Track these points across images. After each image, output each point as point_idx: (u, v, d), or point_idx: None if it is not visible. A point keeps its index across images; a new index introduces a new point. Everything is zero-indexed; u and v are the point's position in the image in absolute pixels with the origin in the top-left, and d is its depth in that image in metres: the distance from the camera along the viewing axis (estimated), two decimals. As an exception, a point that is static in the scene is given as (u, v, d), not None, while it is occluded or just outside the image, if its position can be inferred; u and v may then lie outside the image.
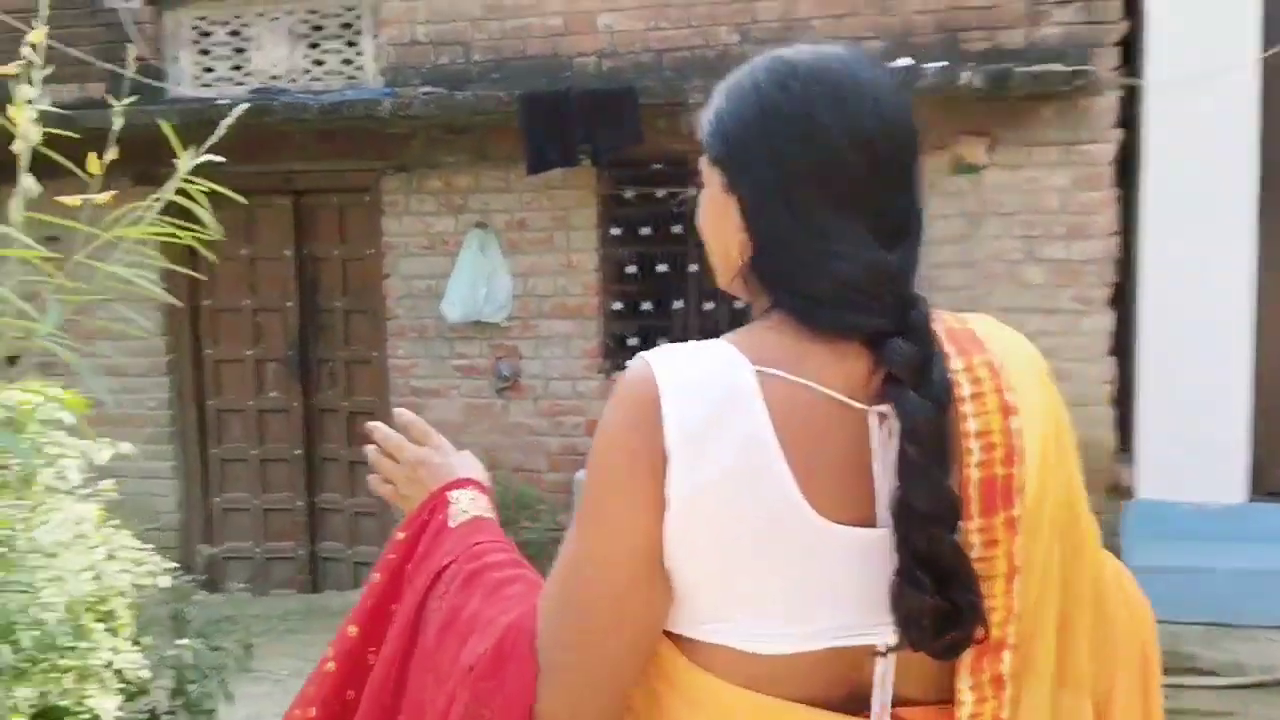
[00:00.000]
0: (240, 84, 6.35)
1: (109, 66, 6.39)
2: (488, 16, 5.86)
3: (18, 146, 2.05)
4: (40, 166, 6.68)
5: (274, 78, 6.35)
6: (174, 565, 3.38)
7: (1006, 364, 1.05)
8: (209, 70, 6.48)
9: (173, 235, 2.38)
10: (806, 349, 1.01)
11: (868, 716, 1.02)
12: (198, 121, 5.73)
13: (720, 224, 1.10)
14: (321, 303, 6.63)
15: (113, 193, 2.50)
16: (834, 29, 5.23)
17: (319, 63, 6.33)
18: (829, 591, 0.99)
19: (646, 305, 5.96)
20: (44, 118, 6.32)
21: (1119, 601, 1.18)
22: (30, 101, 2.10)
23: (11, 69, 2.04)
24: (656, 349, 1.05)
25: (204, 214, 2.29)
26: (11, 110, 2.07)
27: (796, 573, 0.99)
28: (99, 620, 2.79)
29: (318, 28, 6.30)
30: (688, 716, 1.03)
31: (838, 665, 1.01)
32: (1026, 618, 1.03)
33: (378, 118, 5.44)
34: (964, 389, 1.02)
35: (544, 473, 6.07)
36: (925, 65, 5.01)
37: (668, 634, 1.04)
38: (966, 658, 1.01)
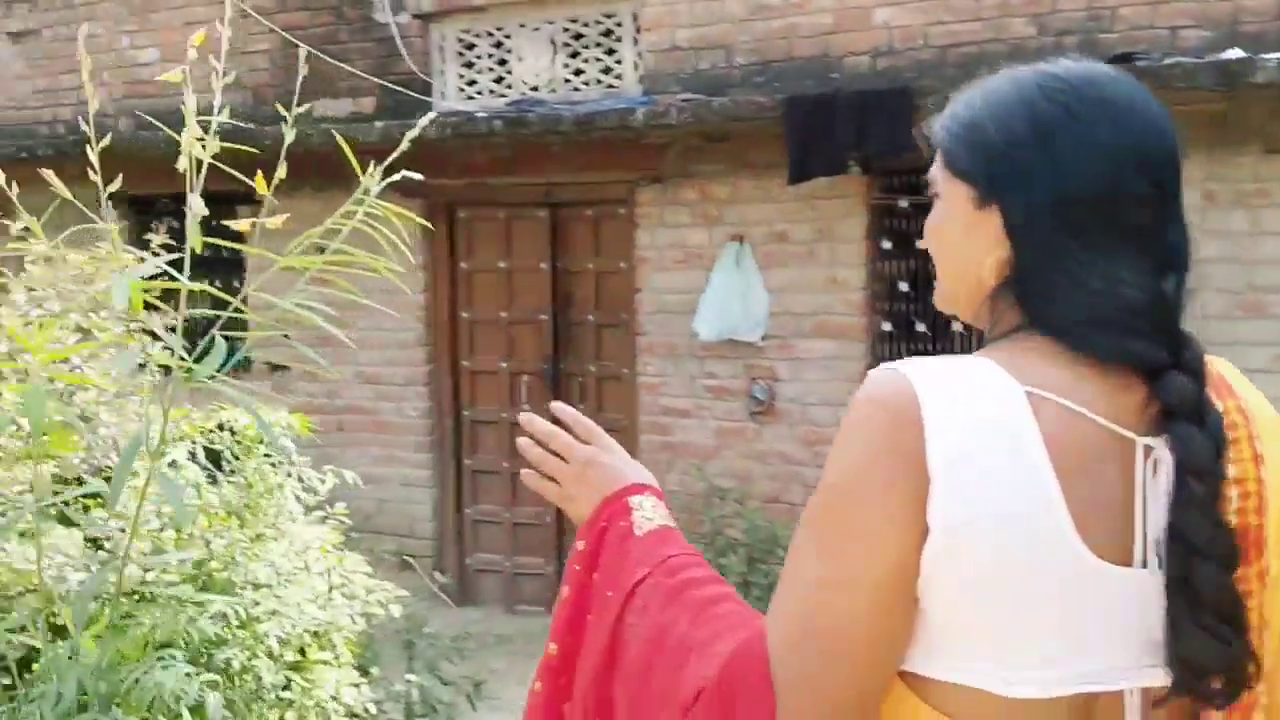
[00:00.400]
0: (502, 96, 6.37)
1: (379, 81, 6.57)
2: (752, 17, 5.61)
3: (180, 163, 1.92)
4: (324, 178, 6.65)
5: (534, 88, 6.34)
6: (403, 592, 3.28)
7: (1253, 412, 1.03)
8: (472, 83, 6.55)
9: (346, 261, 2.22)
10: (1079, 374, 0.98)
11: None
12: (456, 134, 5.82)
13: (968, 241, 1.07)
14: (574, 316, 6.58)
15: (283, 216, 2.35)
16: (1148, 17, 4.65)
17: (578, 72, 6.27)
18: (1089, 633, 0.95)
19: (921, 326, 5.51)
20: (317, 131, 6.50)
21: None
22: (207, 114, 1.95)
23: (174, 76, 1.92)
24: (906, 361, 0.99)
25: (402, 228, 2.10)
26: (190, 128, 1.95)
27: (1060, 612, 0.94)
28: (322, 650, 2.69)
29: (578, 36, 6.25)
30: None
31: (1084, 712, 0.97)
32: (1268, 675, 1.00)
33: (631, 127, 5.29)
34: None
35: (798, 506, 5.72)
36: (1262, 56, 4.32)
37: (900, 673, 0.99)
38: (1216, 715, 0.98)
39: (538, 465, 1.32)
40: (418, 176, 2.19)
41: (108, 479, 2.98)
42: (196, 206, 2.31)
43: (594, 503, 1.28)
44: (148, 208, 7.85)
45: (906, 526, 0.94)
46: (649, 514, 1.24)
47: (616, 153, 6.01)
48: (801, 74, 5.49)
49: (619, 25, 6.18)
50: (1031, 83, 1.05)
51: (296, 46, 7.30)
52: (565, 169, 6.29)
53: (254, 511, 2.79)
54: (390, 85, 6.60)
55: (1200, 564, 0.93)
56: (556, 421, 1.35)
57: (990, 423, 0.94)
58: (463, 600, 6.95)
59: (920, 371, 0.97)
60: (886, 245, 5.55)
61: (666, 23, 5.87)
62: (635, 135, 5.48)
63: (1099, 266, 0.99)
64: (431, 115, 2.52)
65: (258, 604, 2.57)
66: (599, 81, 6.26)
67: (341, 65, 6.75)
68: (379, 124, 5.95)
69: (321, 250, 7.80)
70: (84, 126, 2.36)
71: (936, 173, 1.10)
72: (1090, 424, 0.96)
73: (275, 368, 7.42)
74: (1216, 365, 1.06)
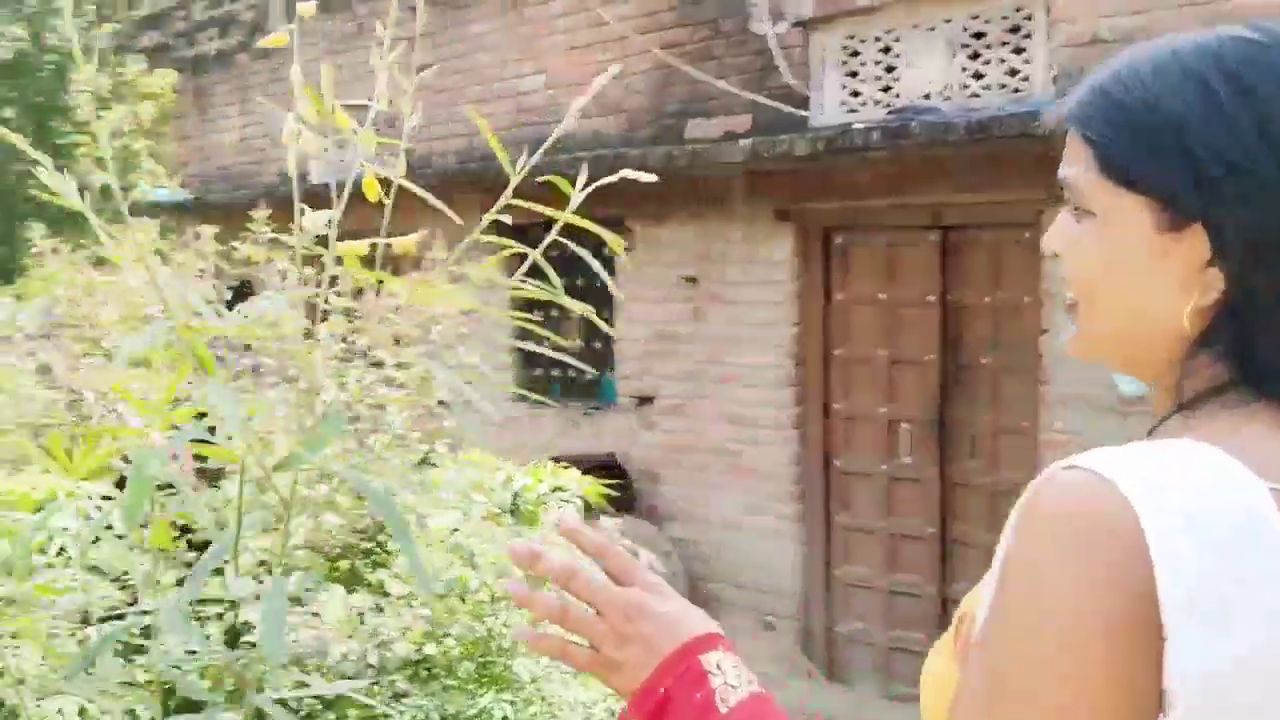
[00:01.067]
0: (888, 107, 5.76)
1: (753, 97, 6.18)
2: (1188, 1, 4.64)
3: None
4: (697, 202, 6.28)
5: (925, 96, 5.68)
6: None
7: None
8: (855, 94, 6.00)
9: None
10: None
11: None
12: (829, 150, 5.28)
13: (1153, 275, 0.84)
14: (966, 358, 5.83)
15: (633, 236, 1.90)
16: None
17: (978, 76, 5.55)
18: None
19: None
20: (683, 154, 6.16)
21: None
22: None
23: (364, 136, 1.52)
24: (1097, 456, 0.75)
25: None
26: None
27: None
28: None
29: (979, 35, 5.53)
30: None
31: None
32: None
33: (1036, 135, 4.48)
34: None
35: None
36: None
37: None
38: None
39: (556, 619, 0.96)
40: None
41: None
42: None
43: (648, 667, 0.94)
44: (521, 236, 7.96)
45: (1131, 699, 0.72)
46: (731, 679, 0.93)
47: (1020, 167, 5.22)
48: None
49: (1028, 19, 5.40)
50: (1231, 52, 0.82)
51: (672, 67, 7.10)
52: (958, 187, 5.58)
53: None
54: (765, 101, 6.19)
55: None
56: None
57: (1240, 541, 0.72)
58: (830, 673, 6.36)
59: (1127, 473, 0.74)
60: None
61: (1086, 11, 5.03)
62: (1042, 145, 4.66)
63: None
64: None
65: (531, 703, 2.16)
66: (1002, 86, 5.51)
67: (715, 83, 6.44)
68: (743, 143, 5.54)
69: (694, 280, 7.46)
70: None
71: (1080, 176, 0.87)
72: None
73: (641, 400, 7.23)
74: None
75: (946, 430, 5.96)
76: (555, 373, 8.04)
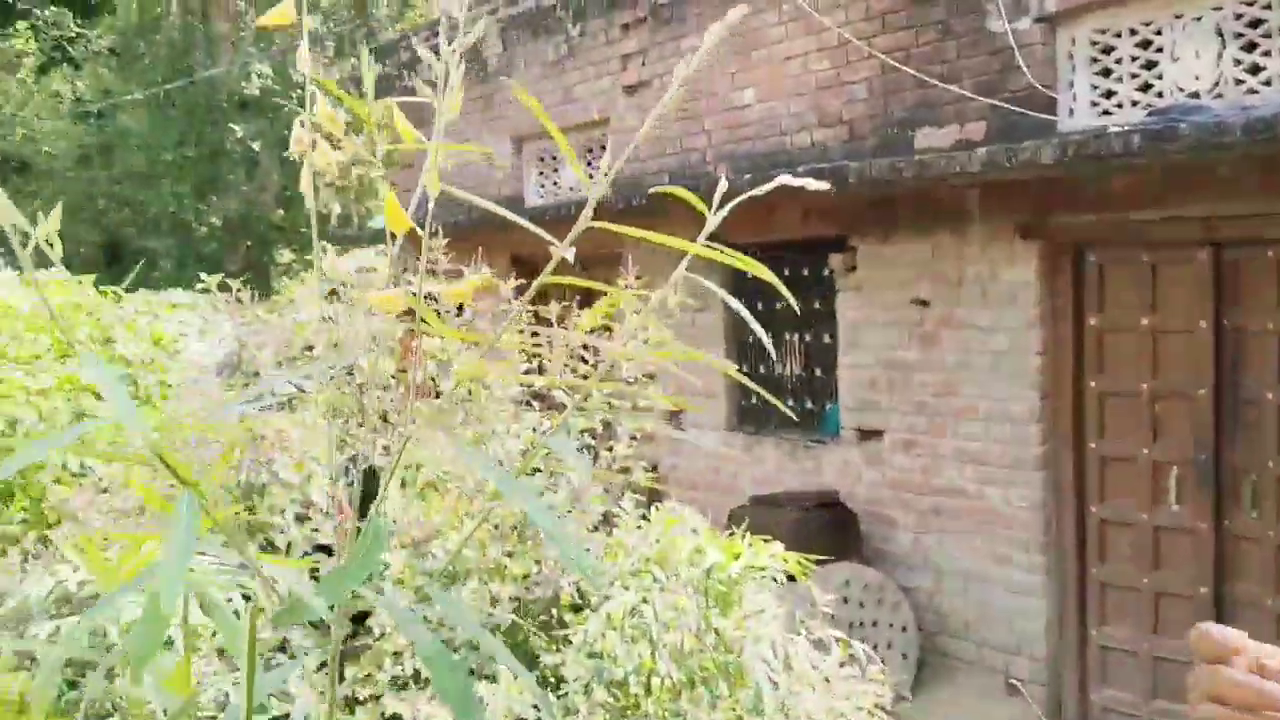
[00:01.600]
0: (1148, 107, 5.16)
1: (990, 102, 5.69)
2: None
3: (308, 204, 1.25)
4: (927, 216, 5.82)
5: (1191, 94, 5.06)
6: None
7: None
8: (1109, 95, 5.42)
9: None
10: None
11: None
12: (1078, 157, 4.74)
13: None
14: (1247, 392, 5.14)
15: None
16: None
17: (1255, 69, 4.89)
18: None
19: None
20: (909, 164, 5.72)
21: None
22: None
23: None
24: None
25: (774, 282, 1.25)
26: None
27: None
28: None
29: (1255, 23, 4.89)
30: None
31: None
32: None
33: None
34: None
35: None
36: None
37: None
38: None
39: None
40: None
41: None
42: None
43: None
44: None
45: None
46: None
47: (1313, 171, 4.54)
48: None
49: (1321, -3, 4.70)
50: None
51: (898, 71, 6.66)
52: (1235, 197, 4.93)
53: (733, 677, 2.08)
54: (1005, 105, 5.68)
55: None
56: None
57: None
58: (1083, 747, 5.75)
59: None
60: None
61: (1398, -16, 4.31)
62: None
63: None
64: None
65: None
66: (1288, 77, 4.82)
67: (948, 88, 5.96)
68: (980, 151, 5.06)
69: (926, 303, 6.93)
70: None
71: None
72: None
73: (866, 434, 6.79)
74: None
75: (1223, 475, 5.27)
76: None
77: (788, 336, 7.61)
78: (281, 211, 21.54)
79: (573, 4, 8.87)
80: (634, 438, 2.84)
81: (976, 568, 6.23)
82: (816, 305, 7.29)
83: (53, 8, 22.69)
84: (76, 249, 19.01)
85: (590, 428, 2.89)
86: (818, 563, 6.57)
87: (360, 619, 2.66)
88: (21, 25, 22.23)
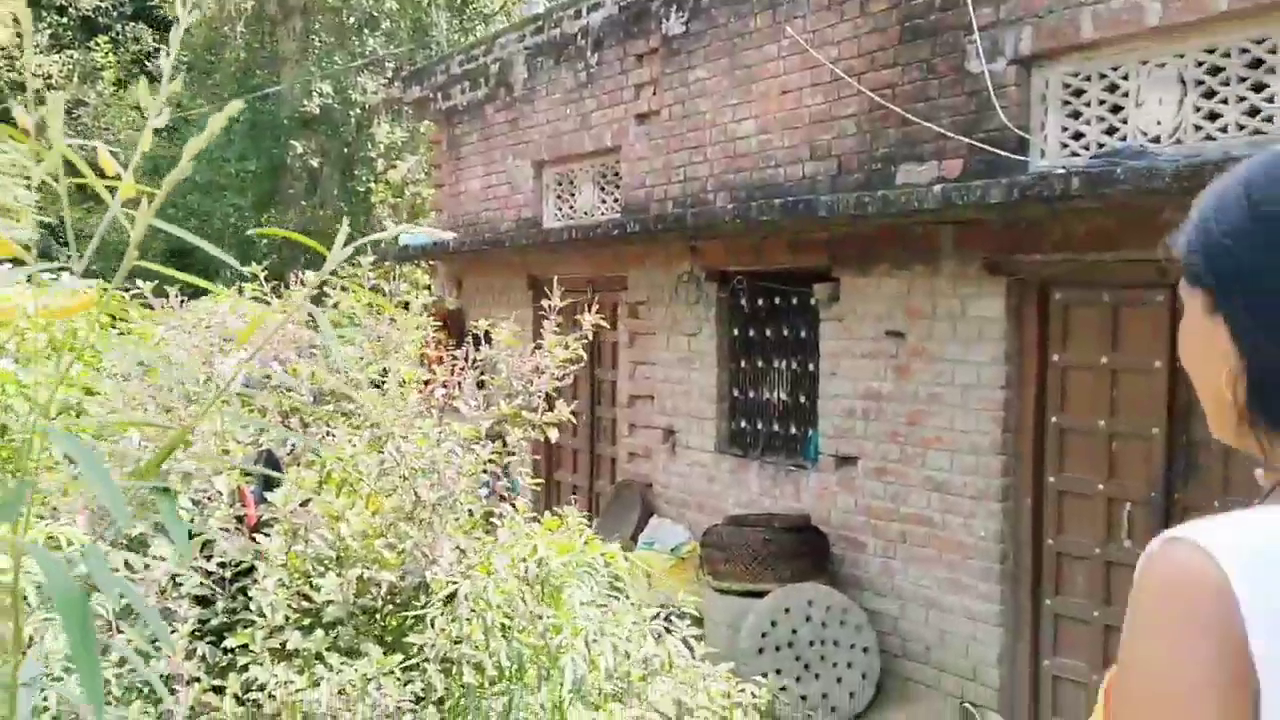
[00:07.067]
0: (1113, 151, 5.22)
1: (967, 140, 5.78)
2: None
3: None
4: (905, 251, 6.04)
5: (1154, 139, 5.11)
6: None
7: None
8: (1077, 137, 5.49)
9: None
10: None
11: None
12: (1025, 198, 4.81)
13: (1206, 354, 1.04)
14: (1198, 433, 5.15)
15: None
16: None
17: (1213, 116, 4.93)
18: None
19: None
20: (874, 200, 5.83)
21: None
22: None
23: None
24: (1195, 529, 0.90)
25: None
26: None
27: None
28: None
29: (1215, 70, 4.92)
30: None
31: None
32: None
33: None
34: None
35: None
36: None
37: None
38: None
39: None
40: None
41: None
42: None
43: None
44: (725, 282, 7.78)
45: None
46: None
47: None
48: None
49: (1272, 52, 4.76)
50: (1257, 168, 1.02)
51: (885, 108, 6.77)
52: (1186, 241, 4.93)
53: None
54: (978, 145, 5.76)
55: None
56: None
57: None
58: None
59: (1222, 545, 0.87)
60: None
61: (1341, 39, 4.34)
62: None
63: None
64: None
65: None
66: (1241, 127, 4.86)
67: (929, 125, 6.06)
68: (936, 189, 5.14)
69: (901, 335, 7.04)
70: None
71: (1181, 285, 1.08)
72: None
73: (843, 460, 6.86)
74: None
75: (1173, 513, 5.28)
76: (760, 426, 7.78)
77: (776, 363, 7.70)
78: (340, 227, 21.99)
79: (593, 33, 9.07)
80: (507, 452, 2.96)
81: (938, 594, 6.26)
82: (802, 334, 7.38)
83: (132, 23, 23.45)
84: (144, 255, 19.56)
85: (478, 436, 3.02)
86: (783, 579, 6.65)
87: (243, 592, 2.81)
88: (102, 40, 23.01)
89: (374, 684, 2.32)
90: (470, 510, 2.73)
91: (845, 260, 6.79)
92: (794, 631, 6.33)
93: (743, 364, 7.93)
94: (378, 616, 2.66)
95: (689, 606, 7.67)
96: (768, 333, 7.69)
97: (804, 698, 6.25)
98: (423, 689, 2.48)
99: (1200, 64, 5.04)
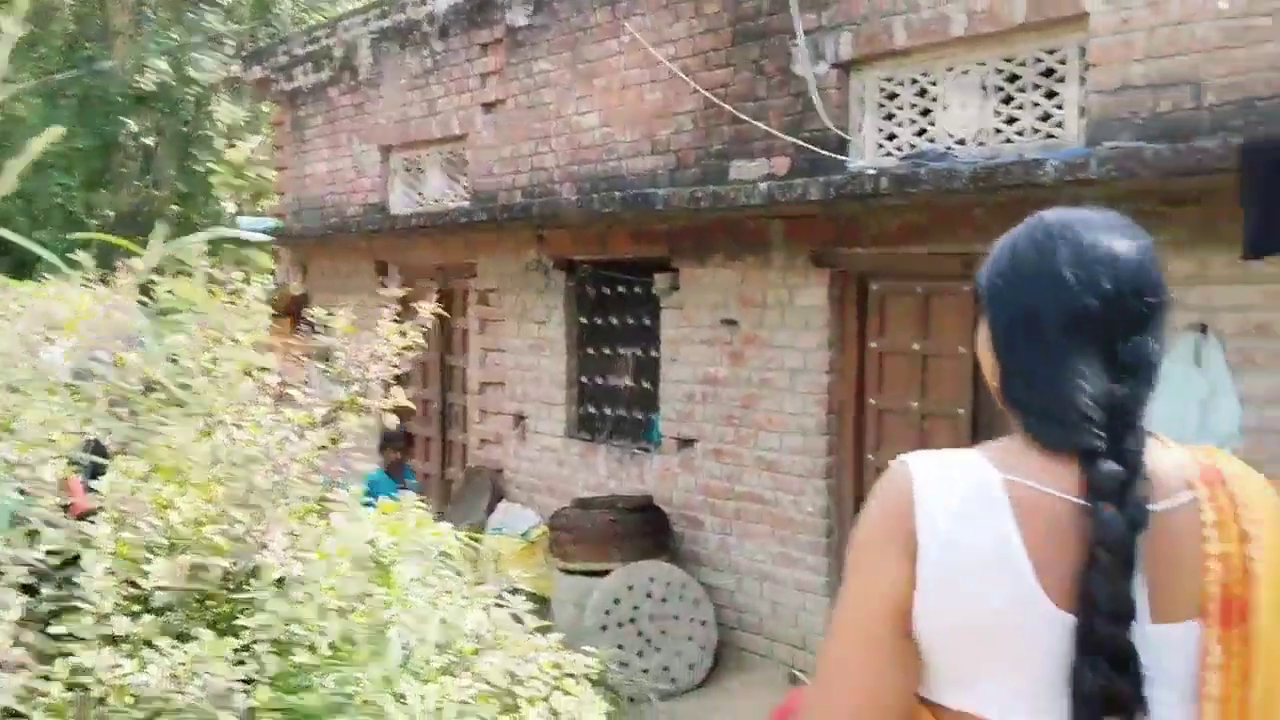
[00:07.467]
0: (919, 152, 5.60)
1: (793, 140, 6.11)
2: (1229, 44, 4.43)
3: None
4: (738, 244, 6.32)
5: (959, 141, 5.51)
6: None
7: (1247, 499, 1.30)
8: (892, 138, 5.86)
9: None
10: (1045, 460, 1.28)
11: None
12: (840, 195, 5.16)
13: (983, 351, 1.43)
14: (996, 411, 5.56)
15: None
16: None
17: (1011, 120, 5.35)
18: (1057, 669, 1.22)
19: None
20: (706, 195, 6.09)
21: None
22: None
23: None
24: (919, 453, 1.34)
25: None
26: None
27: (1029, 650, 1.23)
28: None
29: (1013, 78, 5.34)
30: None
31: None
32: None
33: (1041, 184, 4.31)
34: (1207, 515, 1.28)
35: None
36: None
37: (922, 700, 1.30)
38: None
39: None
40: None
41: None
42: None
43: None
44: (571, 271, 8.00)
45: (899, 580, 1.27)
46: None
47: (1044, 217, 5.00)
48: (1298, 112, 4.18)
49: (1062, 63, 5.20)
50: (1025, 225, 1.42)
51: (718, 106, 7.05)
52: (987, 236, 5.35)
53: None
54: (803, 144, 6.09)
55: (1098, 618, 1.20)
56: None
57: (970, 499, 1.26)
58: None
59: (918, 462, 1.32)
60: None
61: (1118, 56, 4.81)
62: (1049, 194, 4.46)
63: (1056, 375, 1.30)
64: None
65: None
66: (1035, 131, 5.30)
67: (757, 124, 6.37)
68: (761, 186, 5.45)
69: (734, 323, 7.36)
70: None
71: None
72: (1053, 499, 1.26)
73: (683, 443, 7.16)
74: (1219, 460, 1.34)
75: (977, 488, 5.72)
76: (608, 411, 8.04)
77: (622, 350, 7.96)
78: (177, 207, 21.38)
79: (439, 20, 9.14)
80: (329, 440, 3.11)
81: (771, 568, 6.63)
82: (646, 322, 7.65)
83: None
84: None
85: (312, 422, 3.16)
86: (627, 559, 6.92)
87: (70, 581, 2.90)
88: (-84, 6, 21.79)
89: (204, 666, 2.46)
90: (303, 496, 2.87)
91: (684, 251, 7.08)
92: (636, 608, 6.61)
93: (590, 351, 8.16)
94: (209, 602, 2.79)
95: (526, 584, 7.87)
96: (614, 320, 7.94)
97: (646, 670, 6.53)
98: (256, 670, 2.62)
99: (1000, 72, 5.47)
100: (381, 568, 2.54)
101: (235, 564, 2.83)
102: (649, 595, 6.63)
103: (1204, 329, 4.54)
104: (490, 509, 8.62)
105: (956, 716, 1.26)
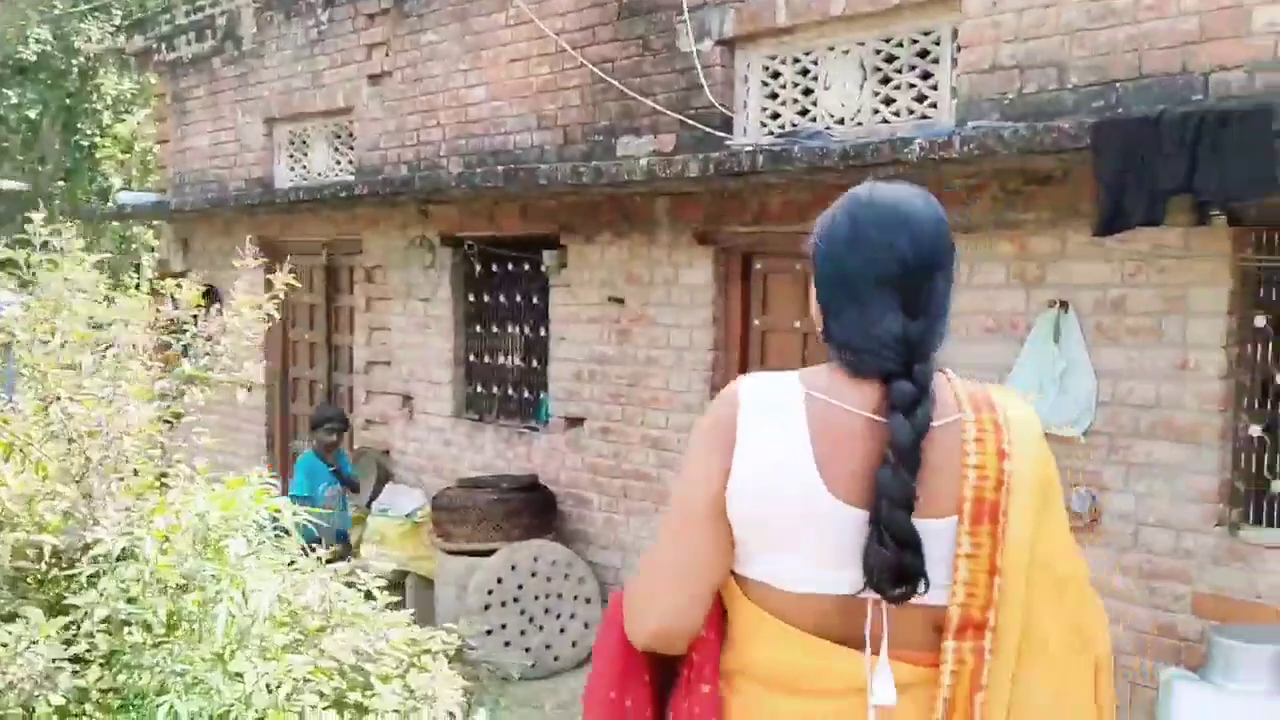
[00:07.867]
0: (795, 131, 5.65)
1: (678, 117, 6.11)
2: (1092, 26, 4.53)
3: None
4: (626, 220, 6.23)
5: (840, 120, 5.57)
6: None
7: (1011, 423, 1.62)
8: (775, 116, 5.90)
9: None
10: (846, 382, 1.61)
11: (863, 653, 1.57)
12: (718, 173, 5.17)
13: (811, 302, 1.74)
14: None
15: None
16: None
17: (889, 101, 5.41)
18: (838, 552, 1.56)
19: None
20: (589, 171, 6.06)
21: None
22: None
23: None
24: (756, 374, 1.71)
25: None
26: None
27: (814, 534, 1.57)
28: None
29: (890, 59, 5.41)
30: (742, 632, 1.65)
31: (845, 610, 1.58)
32: (1005, 609, 1.57)
33: (908, 162, 4.38)
34: (970, 433, 1.60)
35: (1130, 655, 4.47)
36: None
37: (734, 573, 1.65)
38: (952, 629, 1.57)
39: None
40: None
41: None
42: None
43: None
44: (458, 247, 7.92)
45: (720, 471, 1.61)
46: None
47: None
48: (1153, 95, 4.31)
49: (936, 44, 5.28)
50: (845, 196, 1.73)
51: (605, 81, 7.01)
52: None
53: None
54: (689, 121, 6.10)
55: (887, 506, 1.52)
56: None
57: (776, 409, 1.60)
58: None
59: (749, 380, 1.68)
60: (1260, 322, 4.20)
61: (988, 38, 4.90)
62: (915, 172, 4.53)
63: (864, 316, 1.62)
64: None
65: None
66: (911, 112, 5.38)
67: (643, 100, 6.36)
68: (642, 162, 5.45)
69: (621, 301, 7.34)
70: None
71: None
72: (845, 413, 1.58)
73: (571, 422, 7.14)
74: (991, 390, 1.68)
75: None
76: (496, 391, 7.99)
77: (510, 329, 7.91)
78: (63, 183, 20.67)
79: (324, -10, 8.94)
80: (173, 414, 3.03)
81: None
82: (535, 300, 7.61)
83: None
84: None
85: (152, 396, 3.07)
86: (511, 538, 6.89)
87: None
88: None
89: (27, 645, 2.38)
90: (138, 470, 2.80)
91: (572, 228, 7.05)
92: (520, 587, 6.59)
93: (479, 329, 8.09)
94: (39, 580, 2.71)
95: (410, 566, 7.76)
96: (502, 298, 7.88)
97: (528, 649, 6.53)
98: (86, 650, 2.55)
99: (878, 52, 5.54)
100: (211, 544, 2.49)
101: (66, 541, 2.75)
102: (533, 574, 6.62)
103: (1064, 305, 4.67)
104: (377, 490, 8.51)
105: (756, 585, 1.62)
